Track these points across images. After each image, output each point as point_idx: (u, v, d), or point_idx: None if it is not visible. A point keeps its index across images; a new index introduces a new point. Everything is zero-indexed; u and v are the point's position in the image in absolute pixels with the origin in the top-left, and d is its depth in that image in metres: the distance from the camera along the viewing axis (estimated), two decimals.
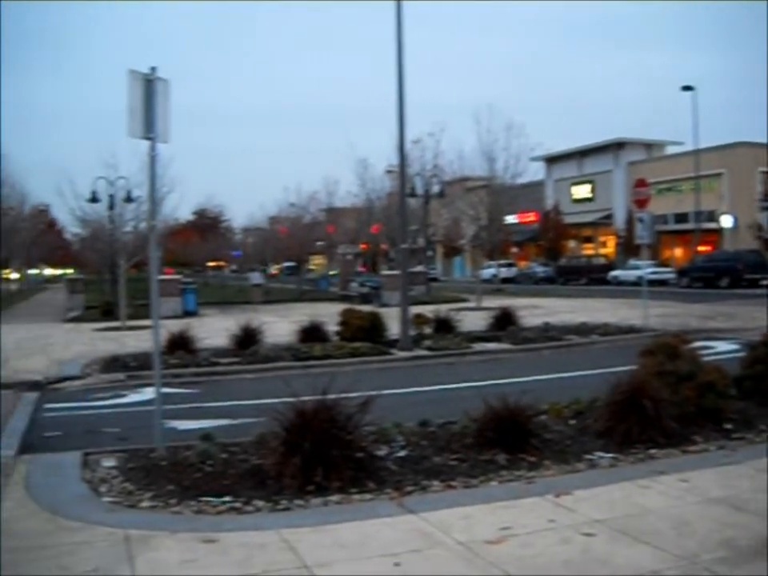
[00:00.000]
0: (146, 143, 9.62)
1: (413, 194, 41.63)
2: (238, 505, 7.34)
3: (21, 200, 61.26)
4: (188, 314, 32.67)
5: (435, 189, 44.97)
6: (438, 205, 49.96)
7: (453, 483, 7.94)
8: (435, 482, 7.94)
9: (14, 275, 76.69)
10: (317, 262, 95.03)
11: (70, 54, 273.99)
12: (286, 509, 7.27)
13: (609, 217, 71.86)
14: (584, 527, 6.52)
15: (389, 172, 51.01)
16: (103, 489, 7.99)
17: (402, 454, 8.86)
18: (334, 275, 63.71)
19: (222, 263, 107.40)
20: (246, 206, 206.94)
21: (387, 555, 6.03)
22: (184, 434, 10.28)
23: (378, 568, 5.83)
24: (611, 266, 62.61)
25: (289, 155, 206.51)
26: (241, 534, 6.57)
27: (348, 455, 7.82)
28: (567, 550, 6.08)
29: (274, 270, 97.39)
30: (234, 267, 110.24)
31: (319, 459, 7.67)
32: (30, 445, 10.54)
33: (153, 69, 9.58)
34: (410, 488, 7.76)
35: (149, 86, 9.49)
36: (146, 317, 27.12)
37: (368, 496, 7.56)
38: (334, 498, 7.47)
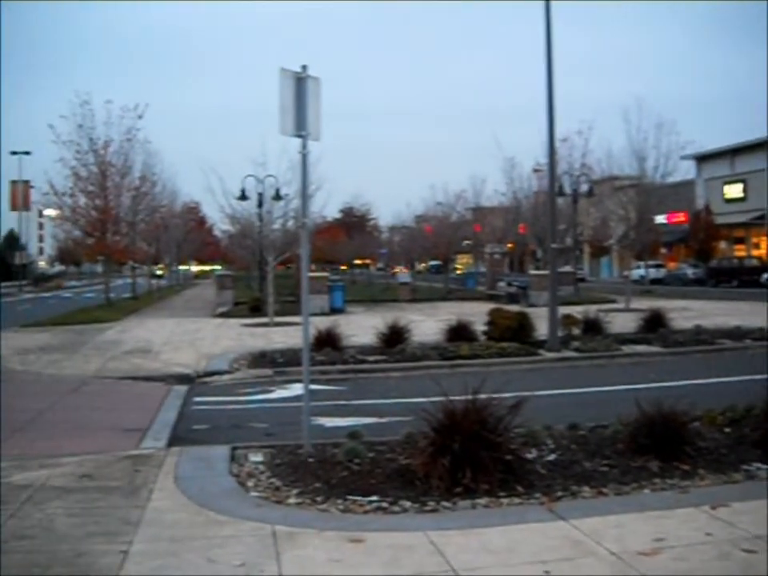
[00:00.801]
0: (296, 141, 9.66)
1: (561, 193, 40.95)
2: (384, 505, 7.25)
3: (172, 198, 63.02)
4: (335, 311, 32.97)
5: (583, 188, 44.20)
6: (586, 204, 49.08)
7: (604, 490, 7.65)
8: (585, 488, 7.67)
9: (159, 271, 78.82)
10: (462, 261, 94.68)
11: (222, 54, 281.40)
12: (434, 510, 7.13)
13: (762, 217, 69.19)
14: (744, 543, 6.14)
15: (536, 171, 50.38)
16: (250, 483, 8.03)
17: (551, 457, 8.62)
18: (479, 274, 63.37)
19: (368, 261, 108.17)
20: (393, 204, 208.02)
21: (536, 563, 5.82)
22: (331, 432, 10.29)
23: None
24: (764, 268, 60.27)
25: (436, 154, 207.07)
26: (387, 534, 6.47)
27: (497, 457, 7.63)
28: (726, 566, 5.73)
29: (419, 267, 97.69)
30: (380, 265, 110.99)
31: (468, 461, 7.51)
32: (179, 437, 10.76)
33: (304, 67, 9.60)
34: (559, 493, 7.51)
35: (300, 85, 9.52)
36: (293, 313, 27.66)
37: (517, 500, 7.35)
38: (482, 500, 7.29)
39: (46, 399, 14.12)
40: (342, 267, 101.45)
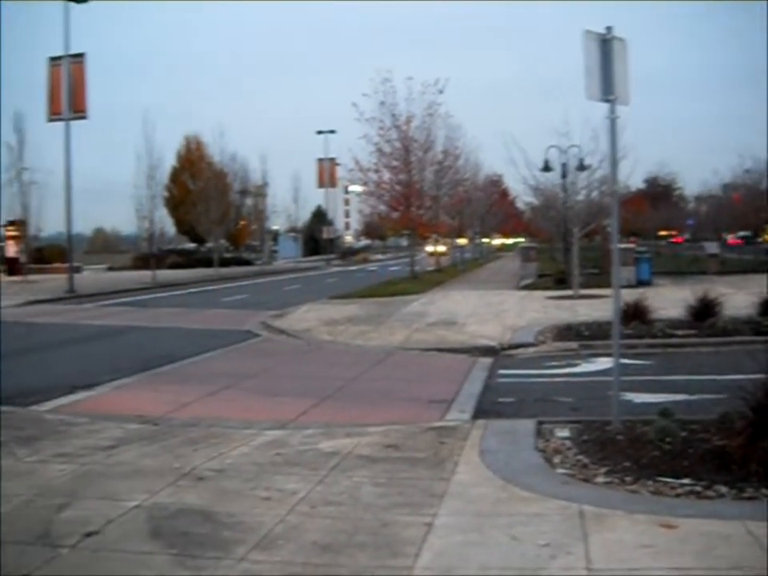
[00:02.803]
0: (602, 108, 9.30)
1: None
2: (698, 489, 6.77)
3: (474, 171, 63.47)
4: (641, 283, 31.93)
5: None
6: None
7: None
8: None
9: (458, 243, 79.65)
10: None
11: (522, 22, 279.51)
12: (752, 498, 6.56)
13: None
14: None
15: None
16: (556, 460, 7.80)
17: None
18: None
19: (673, 232, 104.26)
20: (699, 173, 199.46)
21: None
22: (640, 408, 9.87)
23: None
24: None
25: (744, 121, 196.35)
26: (701, 521, 6.01)
27: None
28: None
29: (731, 238, 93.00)
30: (687, 236, 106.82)
31: None
32: (483, 410, 10.72)
33: (608, 29, 9.19)
34: None
35: (605, 46, 9.11)
36: (597, 286, 27.07)
37: None
38: None
39: (353, 369, 14.59)
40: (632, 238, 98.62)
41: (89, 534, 5.86)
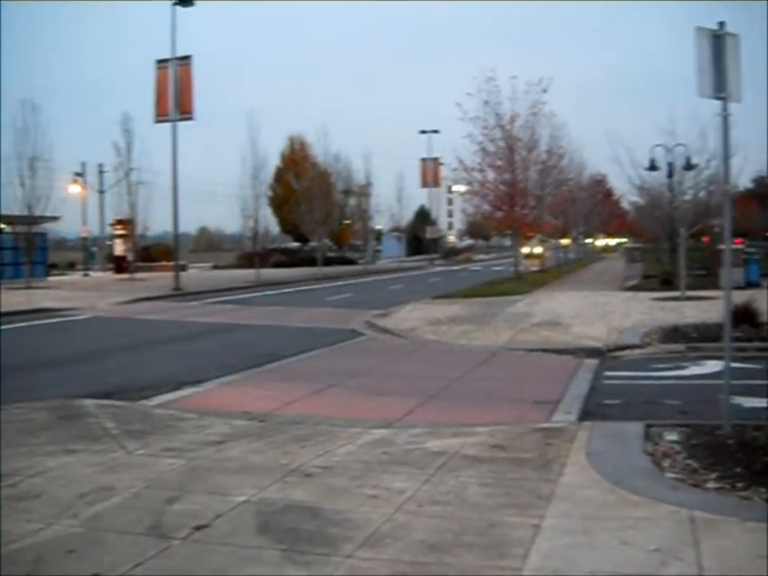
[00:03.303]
0: (711, 105, 9.13)
1: None
2: None
3: (579, 170, 62.83)
4: (750, 284, 31.13)
5: None
6: None
7: None
8: None
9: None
10: None
11: (625, 20, 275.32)
12: None
13: None
14: None
15: None
16: (665, 464, 7.66)
17: None
18: None
19: None
20: None
21: None
22: (749, 413, 9.61)
23: None
24: None
25: None
26: None
27: None
28: None
29: None
30: None
31: None
32: (590, 412, 10.60)
33: (721, 24, 8.99)
34: None
35: (718, 43, 8.92)
36: (704, 287, 26.52)
37: None
38: None
39: (458, 369, 14.56)
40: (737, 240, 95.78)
41: (198, 528, 5.98)
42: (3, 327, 23.25)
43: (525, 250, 70.90)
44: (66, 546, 5.69)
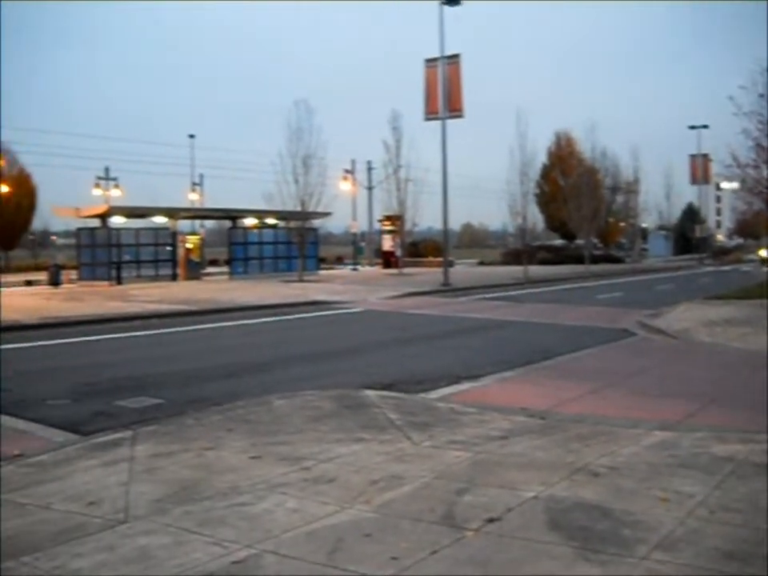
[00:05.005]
0: None
1: None
2: None
3: None
4: None
5: None
6: None
7: None
8: None
9: None
10: None
11: None
12: None
13: None
14: None
15: None
16: None
17: None
18: None
19: None
20: None
21: None
22: None
23: None
24: None
25: None
26: None
27: None
28: None
29: None
30: None
31: None
32: None
33: None
34: None
35: None
36: None
37: None
38: None
39: (735, 372, 14.15)
40: None
41: (491, 520, 6.09)
42: (283, 317, 24.62)
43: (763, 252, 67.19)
44: (362, 529, 5.96)
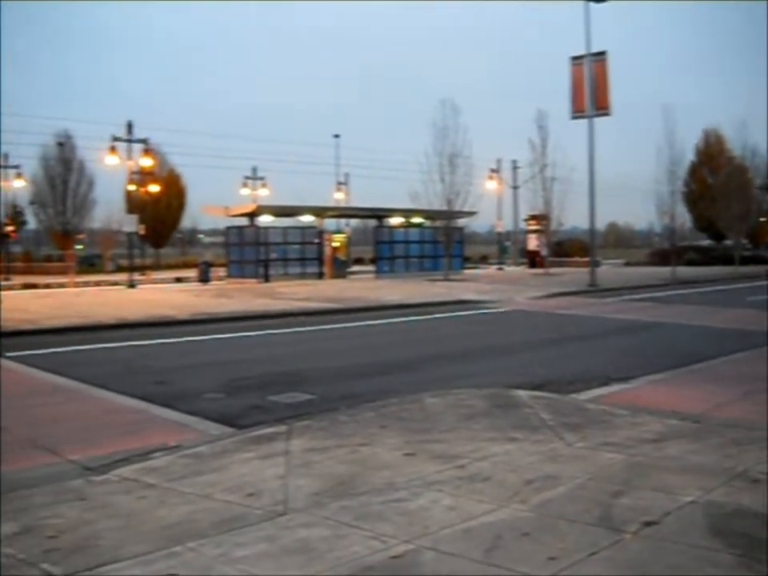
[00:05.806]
0: None
1: None
2: None
3: None
4: None
5: None
6: None
7: None
8: None
9: None
10: None
11: None
12: None
13: None
14: None
15: None
16: None
17: None
18: None
19: None
20: None
21: None
22: None
23: None
24: None
25: None
26: None
27: None
28: None
29: None
30: None
31: None
32: None
33: None
34: None
35: None
36: None
37: None
38: None
39: None
40: None
41: (648, 524, 6.06)
42: (429, 316, 24.79)
43: None
44: (520, 528, 6.02)
